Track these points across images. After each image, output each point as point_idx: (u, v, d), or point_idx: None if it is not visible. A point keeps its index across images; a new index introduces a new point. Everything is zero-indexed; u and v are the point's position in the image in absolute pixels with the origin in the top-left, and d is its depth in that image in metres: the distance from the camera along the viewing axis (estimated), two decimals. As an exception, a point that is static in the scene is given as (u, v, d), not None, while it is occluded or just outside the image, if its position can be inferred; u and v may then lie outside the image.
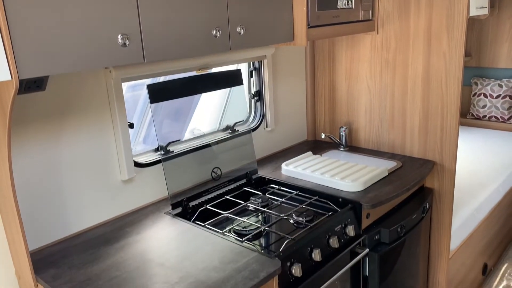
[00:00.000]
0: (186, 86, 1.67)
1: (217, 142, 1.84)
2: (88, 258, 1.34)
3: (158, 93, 1.59)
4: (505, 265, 2.94)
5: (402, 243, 1.80)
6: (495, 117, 3.49)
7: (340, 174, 1.81)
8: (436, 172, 2.03)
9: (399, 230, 1.75)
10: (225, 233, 1.47)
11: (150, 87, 1.56)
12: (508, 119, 3.45)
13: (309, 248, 1.43)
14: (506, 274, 2.84)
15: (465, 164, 2.91)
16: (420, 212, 1.91)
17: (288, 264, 1.35)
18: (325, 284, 1.45)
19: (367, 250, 1.64)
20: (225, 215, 1.63)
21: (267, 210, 1.65)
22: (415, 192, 2.00)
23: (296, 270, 1.36)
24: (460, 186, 2.62)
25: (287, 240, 1.39)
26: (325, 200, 1.71)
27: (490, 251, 2.80)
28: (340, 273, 1.51)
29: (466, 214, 2.30)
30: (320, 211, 1.63)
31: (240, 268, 1.25)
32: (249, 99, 2.13)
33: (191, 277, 1.22)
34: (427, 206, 1.98)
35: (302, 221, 1.54)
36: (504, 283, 2.76)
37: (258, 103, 2.13)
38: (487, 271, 2.81)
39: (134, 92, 1.86)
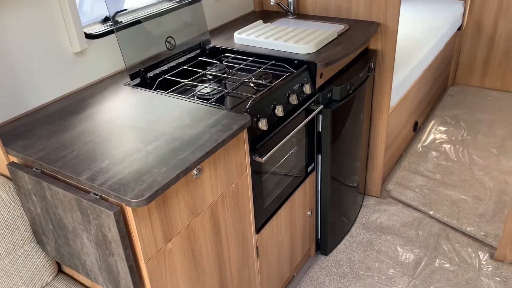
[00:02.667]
0: None
1: (167, 11, 1.77)
2: (56, 128, 1.34)
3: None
4: (432, 122, 3.29)
5: (351, 100, 1.95)
6: (428, -15, 3.59)
7: (293, 39, 1.85)
8: (380, 33, 2.13)
9: (348, 87, 1.88)
10: (189, 97, 1.50)
11: None
12: (440, -14, 3.57)
13: (272, 105, 1.52)
14: (433, 130, 3.20)
15: (406, 26, 3.06)
16: (366, 71, 2.04)
17: (255, 119, 1.44)
18: (287, 137, 1.57)
19: (321, 106, 1.76)
20: (185, 83, 1.64)
21: (226, 75, 1.68)
22: (361, 53, 2.12)
23: (263, 124, 1.45)
24: (400, 47, 2.78)
25: (251, 100, 1.46)
26: (281, 64, 1.76)
27: (420, 110, 3.10)
28: (299, 127, 1.63)
29: (403, 74, 2.48)
30: (278, 73, 1.70)
31: (212, 124, 1.32)
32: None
33: (166, 134, 1.27)
34: (372, 66, 2.12)
35: (262, 82, 1.60)
36: (431, 137, 3.11)
37: (204, -30, 2.03)
38: (417, 128, 3.14)
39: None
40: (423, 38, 2.86)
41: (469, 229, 2.31)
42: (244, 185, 1.47)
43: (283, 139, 1.56)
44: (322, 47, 1.83)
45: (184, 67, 1.78)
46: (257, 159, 1.48)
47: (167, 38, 1.75)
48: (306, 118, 1.70)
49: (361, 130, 2.20)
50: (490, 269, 2.09)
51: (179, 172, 1.11)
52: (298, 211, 1.90)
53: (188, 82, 1.64)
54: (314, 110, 1.73)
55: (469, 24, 3.55)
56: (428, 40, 2.86)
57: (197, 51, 1.88)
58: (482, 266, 2.11)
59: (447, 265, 2.13)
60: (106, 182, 1.08)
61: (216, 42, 1.96)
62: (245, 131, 1.40)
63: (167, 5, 1.83)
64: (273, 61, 1.77)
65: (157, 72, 1.70)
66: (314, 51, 1.79)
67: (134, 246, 1.12)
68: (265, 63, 1.77)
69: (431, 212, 2.44)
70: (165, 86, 1.64)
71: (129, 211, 1.06)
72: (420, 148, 2.99)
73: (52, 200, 1.18)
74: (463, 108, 3.44)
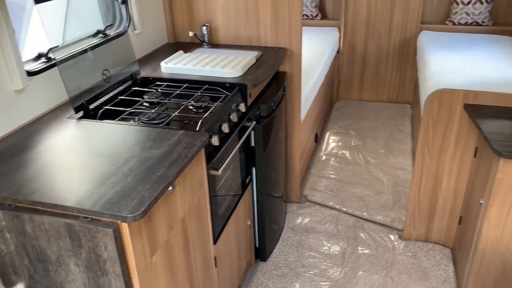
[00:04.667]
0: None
1: (99, 45, 1.84)
2: (14, 165, 1.32)
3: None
4: (328, 133, 3.72)
5: (274, 116, 2.19)
6: (306, 15, 4.10)
7: (219, 65, 2.04)
8: (287, 57, 2.44)
9: (272, 105, 2.12)
10: (140, 123, 1.59)
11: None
12: (316, 15, 4.11)
13: (219, 123, 1.68)
14: (330, 139, 3.62)
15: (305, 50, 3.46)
16: (282, 90, 2.32)
17: (208, 137, 1.58)
18: (234, 150, 1.74)
19: (254, 122, 1.97)
20: (130, 111, 1.72)
21: (167, 101, 1.80)
22: (274, 76, 2.39)
23: (215, 140, 1.60)
24: (302, 69, 3.14)
25: (200, 120, 1.60)
26: (214, 87, 1.94)
27: (318, 123, 3.50)
28: (242, 141, 1.81)
29: (305, 93, 2.83)
30: (214, 95, 1.87)
31: (176, 142, 1.43)
32: (112, 2, 2.10)
33: (134, 157, 1.35)
34: (284, 86, 2.40)
35: (202, 105, 1.76)
36: (330, 145, 3.53)
37: (123, 6, 2.13)
38: (318, 139, 3.53)
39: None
40: (315, 61, 3.28)
41: (378, 217, 2.69)
42: (203, 198, 1.60)
43: (231, 152, 1.73)
44: (247, 70, 2.06)
45: (121, 97, 1.84)
46: (213, 172, 1.62)
47: (103, 71, 1.81)
48: (244, 133, 1.89)
49: (281, 144, 2.45)
50: (401, 247, 2.47)
51: (163, 186, 1.21)
52: (241, 221, 2.06)
53: (133, 110, 1.72)
54: (249, 127, 1.93)
55: (345, 47, 4.13)
56: (319, 62, 3.29)
57: (129, 82, 1.96)
58: (395, 246, 2.48)
59: (367, 250, 2.45)
60: (96, 204, 1.13)
61: (144, 73, 2.06)
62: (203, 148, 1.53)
63: (97, 40, 1.89)
64: (206, 86, 1.94)
65: (98, 104, 1.75)
66: (241, 74, 2.00)
67: (127, 261, 1.18)
68: (199, 88, 1.93)
69: (344, 209, 2.78)
70: (108, 116, 1.70)
71: (124, 227, 1.13)
72: (323, 156, 3.37)
73: (32, 233, 1.18)
74: (349, 119, 3.96)
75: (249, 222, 2.18)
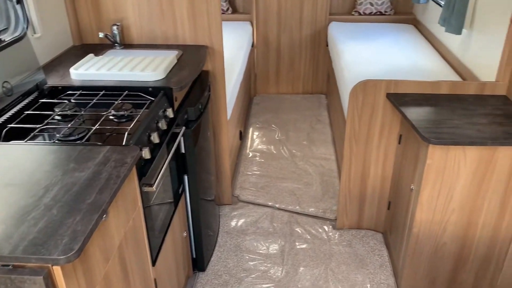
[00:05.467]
0: None
1: (-7, 53, 1.57)
2: None
3: None
4: (250, 129, 3.68)
5: (201, 119, 2.07)
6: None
7: (138, 67, 1.87)
8: (209, 55, 2.32)
9: (200, 107, 2.00)
10: (55, 142, 1.38)
11: None
12: (226, 10, 4.02)
13: (147, 133, 1.52)
14: (253, 136, 3.58)
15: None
16: (207, 91, 2.20)
17: (139, 150, 1.42)
18: (167, 161, 1.60)
19: (184, 128, 1.83)
20: (40, 127, 1.49)
21: (83, 113, 1.59)
22: (197, 77, 2.26)
23: (146, 153, 1.45)
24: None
25: (126, 132, 1.44)
26: (135, 93, 1.76)
27: (241, 120, 3.43)
28: (173, 150, 1.67)
29: (229, 90, 2.74)
30: (137, 102, 1.70)
31: (102, 161, 1.26)
32: (4, 2, 1.82)
33: (56, 184, 1.16)
34: (209, 86, 2.29)
35: (125, 114, 1.58)
36: (254, 142, 3.48)
37: (19, 6, 1.85)
38: (242, 136, 3.47)
39: None
40: (234, 56, 3.20)
41: (310, 210, 2.70)
42: (138, 220, 1.44)
43: (164, 163, 1.58)
44: (169, 72, 1.91)
45: (28, 112, 1.60)
46: (147, 189, 1.46)
47: (2, 83, 1.55)
48: (174, 141, 1.74)
49: (210, 146, 2.34)
50: (336, 237, 2.50)
51: (97, 215, 1.05)
52: (177, 234, 1.92)
53: (44, 127, 1.49)
54: (178, 133, 1.79)
55: (259, 41, 4.10)
56: (237, 57, 3.21)
57: (36, 93, 1.71)
58: (330, 237, 2.51)
59: (305, 245, 2.45)
60: (17, 248, 0.94)
61: (52, 81, 1.82)
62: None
63: (-11, 47, 1.61)
64: (127, 92, 1.76)
65: (0, 122, 1.49)
66: (164, 77, 1.85)
67: (62, 309, 1.00)
68: (118, 95, 1.74)
69: (277, 205, 2.75)
70: (14, 136, 1.46)
71: (56, 271, 0.95)
72: (250, 153, 3.31)
73: None
74: (269, 113, 3.95)
75: (185, 234, 2.05)
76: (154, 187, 1.46)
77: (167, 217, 1.76)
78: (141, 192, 1.44)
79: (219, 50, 2.31)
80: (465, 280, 2.07)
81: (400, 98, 2.09)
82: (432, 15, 3.50)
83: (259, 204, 2.78)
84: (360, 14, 4.03)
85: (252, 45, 4.04)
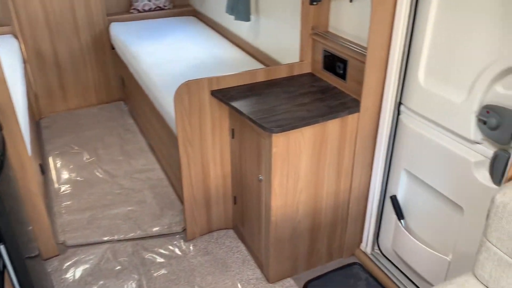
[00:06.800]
0: None
1: None
2: None
3: None
4: (50, 159, 3.13)
5: (3, 165, 1.60)
6: None
7: None
8: (-14, 84, 1.80)
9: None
10: None
11: None
12: None
13: None
14: (57, 166, 3.06)
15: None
16: (-1, 130, 1.71)
17: None
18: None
19: (-12, 187, 1.38)
20: None
21: None
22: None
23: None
24: None
25: None
26: None
27: (36, 151, 2.88)
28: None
29: (24, 121, 2.22)
30: None
31: None
32: None
33: None
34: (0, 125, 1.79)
35: None
36: (60, 172, 2.98)
37: None
38: (43, 170, 2.92)
39: None
40: (10, 80, 2.61)
41: (154, 230, 2.47)
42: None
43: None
44: None
45: None
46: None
47: None
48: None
49: (16, 192, 1.86)
50: (191, 249, 2.35)
51: None
52: (14, 322, 1.47)
53: None
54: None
55: (30, 55, 3.48)
56: (15, 80, 2.64)
57: None
58: (184, 251, 2.34)
59: (162, 270, 2.23)
60: None
61: None
62: None
63: None
64: None
65: None
66: None
67: None
68: None
69: (115, 237, 2.42)
70: None
71: None
72: (60, 187, 2.82)
73: None
74: (66, 134, 3.44)
75: (21, 316, 1.58)
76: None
77: (-2, 309, 1.31)
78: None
79: (1, 78, 1.82)
80: (320, 249, 2.22)
81: (225, 93, 2.04)
82: (213, 5, 3.57)
83: (93, 244, 2.39)
84: (139, 11, 3.83)
85: (24, 62, 3.40)
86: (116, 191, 2.79)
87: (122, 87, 3.86)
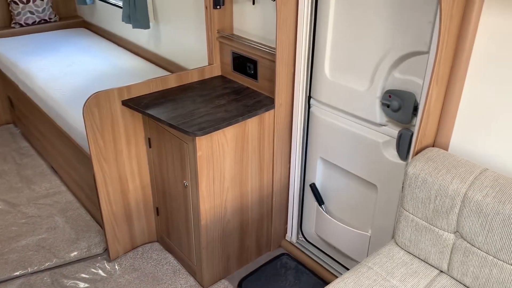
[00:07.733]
0: None
1: None
2: None
3: None
4: None
5: None
6: None
7: None
8: None
9: None
10: None
11: None
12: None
13: None
14: None
15: None
16: None
17: None
18: None
19: None
20: None
21: None
22: None
23: None
24: None
25: None
26: None
27: None
28: None
29: None
30: None
31: None
32: None
33: None
34: None
35: None
36: (-49, 209, 2.63)
37: None
38: None
39: None
40: None
41: (72, 255, 2.30)
42: None
43: None
44: None
45: None
46: None
47: None
48: None
49: None
50: (117, 269, 2.24)
51: None
52: None
53: None
54: None
55: None
56: None
57: None
58: (110, 272, 2.22)
59: (88, 295, 2.09)
60: None
61: None
62: None
63: None
64: None
65: None
66: None
67: None
68: None
69: (28, 270, 2.21)
70: None
71: None
72: (-50, 226, 2.48)
73: None
74: (-51, 166, 3.04)
75: None
76: None
77: None
78: None
79: None
80: (249, 245, 2.26)
81: (138, 102, 1.99)
82: (104, 15, 3.43)
83: (3, 281, 2.15)
84: (22, 25, 3.53)
85: None
86: (21, 220, 2.54)
87: (10, 109, 3.52)
